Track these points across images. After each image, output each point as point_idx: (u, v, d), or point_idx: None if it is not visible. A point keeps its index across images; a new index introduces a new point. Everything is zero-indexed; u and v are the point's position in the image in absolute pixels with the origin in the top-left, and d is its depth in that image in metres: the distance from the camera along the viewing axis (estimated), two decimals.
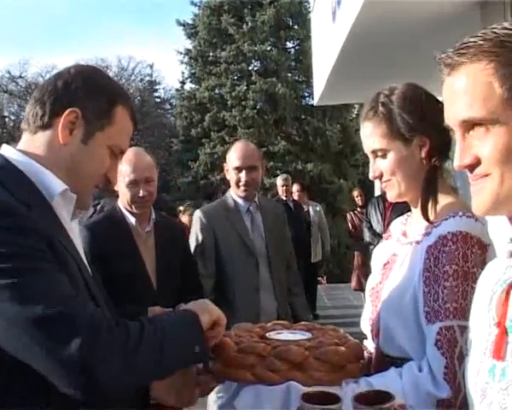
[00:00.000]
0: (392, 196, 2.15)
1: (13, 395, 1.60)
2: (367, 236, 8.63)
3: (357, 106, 26.99)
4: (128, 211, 3.70)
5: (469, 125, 1.34)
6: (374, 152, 2.13)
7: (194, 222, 4.26)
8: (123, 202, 3.71)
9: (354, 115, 29.21)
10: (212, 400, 4.27)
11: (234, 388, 2.01)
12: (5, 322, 1.54)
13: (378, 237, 7.79)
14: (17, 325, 1.53)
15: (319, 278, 12.73)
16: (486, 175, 1.33)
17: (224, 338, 1.98)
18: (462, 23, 6.38)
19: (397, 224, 2.34)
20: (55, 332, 1.53)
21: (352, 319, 5.70)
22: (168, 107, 36.32)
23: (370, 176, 2.18)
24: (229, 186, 4.28)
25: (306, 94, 27.46)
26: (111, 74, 34.96)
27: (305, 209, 10.71)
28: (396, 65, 8.63)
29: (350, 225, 11.06)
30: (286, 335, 2.10)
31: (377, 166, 2.13)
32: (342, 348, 1.96)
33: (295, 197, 10.43)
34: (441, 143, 2.04)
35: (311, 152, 26.37)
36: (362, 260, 10.84)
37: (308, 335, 2.10)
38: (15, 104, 32.64)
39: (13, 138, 23.89)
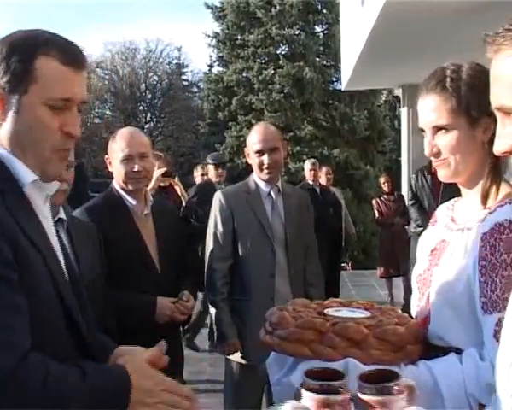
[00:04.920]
0: (445, 176, 2.07)
1: None
2: (417, 217, 8.05)
3: (385, 92, 26.87)
4: (125, 191, 3.64)
5: (505, 111, 1.31)
6: (435, 127, 2.03)
7: (214, 203, 4.23)
8: (118, 181, 3.65)
9: (382, 101, 29.05)
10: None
11: (289, 363, 1.98)
12: None
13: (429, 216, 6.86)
14: None
15: (344, 264, 12.62)
16: None
17: (283, 313, 1.95)
18: (499, 9, 6.26)
19: (443, 209, 2.26)
20: None
21: None
22: (196, 90, 36.42)
23: (427, 153, 2.07)
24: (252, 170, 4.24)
25: (334, 79, 27.36)
26: (139, 57, 35.15)
27: (332, 193, 10.55)
28: (425, 51, 8.53)
29: (376, 211, 10.90)
30: (344, 312, 2.07)
31: (435, 143, 2.04)
32: (402, 329, 1.93)
33: (323, 180, 10.31)
34: None
35: (338, 137, 26.27)
36: (389, 247, 10.73)
37: (367, 313, 2.07)
38: None
39: None
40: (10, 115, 1.72)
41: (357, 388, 1.48)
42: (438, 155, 2.04)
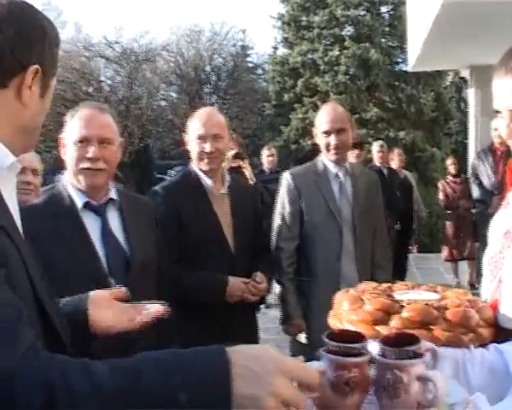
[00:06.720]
0: None
1: None
2: (477, 194, 8.02)
3: (451, 73, 26.36)
4: (202, 171, 3.71)
5: None
6: None
7: (282, 184, 4.24)
8: (194, 160, 3.75)
9: (448, 83, 28.53)
10: None
11: None
12: None
13: (491, 194, 7.21)
14: None
15: (409, 247, 12.48)
16: None
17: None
18: None
19: None
20: None
21: None
22: (260, 72, 36.35)
23: (504, 135, 2.00)
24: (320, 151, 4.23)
25: (400, 60, 26.98)
26: (204, 39, 35.26)
27: (402, 176, 10.43)
28: (496, 31, 8.35)
29: (442, 194, 10.78)
30: (413, 294, 2.06)
31: None
32: (473, 311, 1.90)
33: (396, 163, 10.22)
34: None
35: (404, 119, 25.94)
36: (454, 230, 10.60)
37: (436, 296, 2.05)
38: (111, 69, 33.29)
39: (108, 102, 24.42)
40: (34, 99, 1.57)
41: (378, 351, 1.51)
42: None
